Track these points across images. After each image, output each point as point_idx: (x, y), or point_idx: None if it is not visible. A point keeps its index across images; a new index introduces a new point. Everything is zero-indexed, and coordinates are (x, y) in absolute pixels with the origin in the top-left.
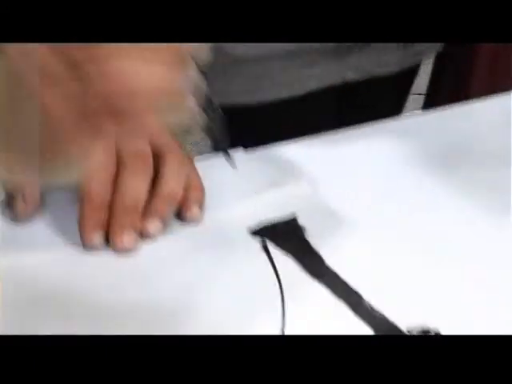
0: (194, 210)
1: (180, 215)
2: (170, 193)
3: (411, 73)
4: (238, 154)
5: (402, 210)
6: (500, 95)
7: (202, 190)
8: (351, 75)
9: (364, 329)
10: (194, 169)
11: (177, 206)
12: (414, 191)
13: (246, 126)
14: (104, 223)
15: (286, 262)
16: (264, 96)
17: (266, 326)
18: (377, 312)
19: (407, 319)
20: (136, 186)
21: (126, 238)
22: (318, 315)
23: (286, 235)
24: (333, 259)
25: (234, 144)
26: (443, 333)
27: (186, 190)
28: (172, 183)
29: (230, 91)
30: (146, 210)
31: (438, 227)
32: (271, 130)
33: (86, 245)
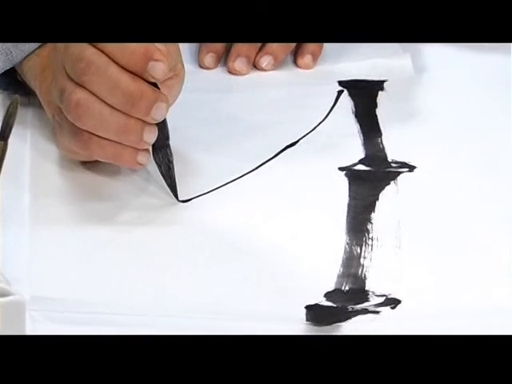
0: (305, 59)
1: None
2: None
3: None
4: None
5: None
6: None
7: (319, 44)
8: None
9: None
10: None
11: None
12: None
13: None
14: (219, 50)
15: (344, 108)
16: None
17: None
18: (383, 149)
19: None
20: None
21: (239, 63)
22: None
23: (361, 92)
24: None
25: None
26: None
27: None
28: None
29: None
30: (263, 49)
31: None
32: None
33: (200, 65)
